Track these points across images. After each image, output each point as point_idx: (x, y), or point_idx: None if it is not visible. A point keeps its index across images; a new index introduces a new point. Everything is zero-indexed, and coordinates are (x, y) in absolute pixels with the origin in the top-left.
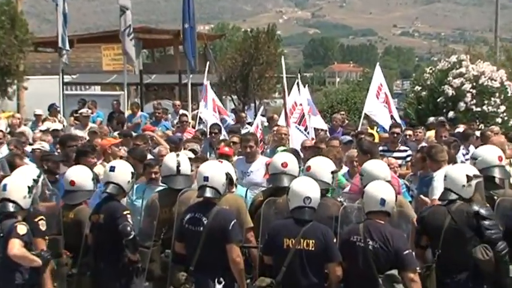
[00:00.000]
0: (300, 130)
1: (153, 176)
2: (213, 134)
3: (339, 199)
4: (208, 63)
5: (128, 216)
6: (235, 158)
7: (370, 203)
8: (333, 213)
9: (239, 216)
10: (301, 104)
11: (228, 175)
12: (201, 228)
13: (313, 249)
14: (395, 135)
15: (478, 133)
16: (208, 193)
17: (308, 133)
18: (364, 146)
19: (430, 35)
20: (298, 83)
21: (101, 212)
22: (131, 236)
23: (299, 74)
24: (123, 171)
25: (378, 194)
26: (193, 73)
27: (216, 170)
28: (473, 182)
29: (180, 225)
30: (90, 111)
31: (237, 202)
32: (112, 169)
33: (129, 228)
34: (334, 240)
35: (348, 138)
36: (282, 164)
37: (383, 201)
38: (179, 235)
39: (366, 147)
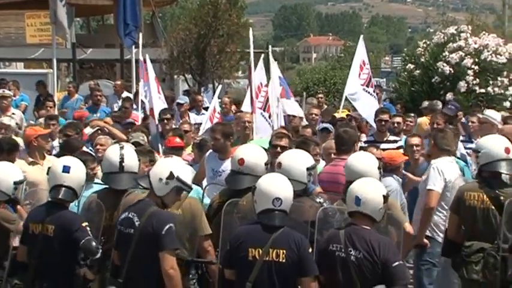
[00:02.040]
0: (264, 118)
1: (90, 173)
2: (165, 121)
3: (318, 200)
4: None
5: (88, 228)
6: (188, 150)
7: (348, 203)
8: (310, 218)
9: (194, 221)
10: (266, 86)
11: (173, 175)
12: (132, 231)
13: (284, 260)
14: (383, 122)
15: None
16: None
17: (272, 121)
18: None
19: (425, 1)
20: (268, 59)
21: (49, 222)
22: (98, 255)
23: (269, 48)
24: (79, 173)
25: (354, 191)
26: (138, 47)
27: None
28: None
29: (117, 228)
30: (11, 92)
31: (192, 205)
32: (66, 169)
33: (94, 244)
34: (310, 250)
35: (325, 125)
36: (238, 161)
37: (358, 200)
38: (116, 241)
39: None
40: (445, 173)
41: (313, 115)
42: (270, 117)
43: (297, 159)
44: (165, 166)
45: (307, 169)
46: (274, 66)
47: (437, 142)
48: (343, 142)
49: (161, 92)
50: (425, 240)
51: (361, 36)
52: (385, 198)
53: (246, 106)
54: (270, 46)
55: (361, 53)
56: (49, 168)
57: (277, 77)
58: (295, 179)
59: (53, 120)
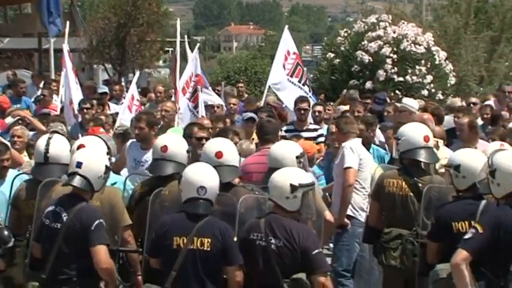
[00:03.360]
0: (189, 108)
1: (5, 163)
2: (85, 110)
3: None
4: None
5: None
6: (129, 143)
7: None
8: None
9: (113, 212)
10: (197, 76)
11: (108, 168)
12: (59, 226)
13: (208, 249)
14: (303, 111)
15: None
16: (77, 182)
17: (198, 112)
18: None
19: None
20: (191, 48)
21: None
22: (11, 244)
23: (185, 38)
24: None
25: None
26: (58, 36)
27: (94, 157)
28: None
29: (40, 221)
30: None
31: (110, 196)
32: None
33: (6, 233)
34: (235, 239)
35: (250, 114)
36: (161, 148)
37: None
38: (37, 234)
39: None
40: (358, 151)
41: (232, 104)
42: (196, 107)
43: (287, 149)
44: (101, 162)
45: (297, 157)
46: (190, 56)
47: (341, 127)
48: (267, 131)
49: (77, 82)
50: (347, 220)
51: (286, 26)
52: (294, 187)
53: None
54: (185, 36)
55: (285, 43)
56: None
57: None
58: (228, 164)
59: None
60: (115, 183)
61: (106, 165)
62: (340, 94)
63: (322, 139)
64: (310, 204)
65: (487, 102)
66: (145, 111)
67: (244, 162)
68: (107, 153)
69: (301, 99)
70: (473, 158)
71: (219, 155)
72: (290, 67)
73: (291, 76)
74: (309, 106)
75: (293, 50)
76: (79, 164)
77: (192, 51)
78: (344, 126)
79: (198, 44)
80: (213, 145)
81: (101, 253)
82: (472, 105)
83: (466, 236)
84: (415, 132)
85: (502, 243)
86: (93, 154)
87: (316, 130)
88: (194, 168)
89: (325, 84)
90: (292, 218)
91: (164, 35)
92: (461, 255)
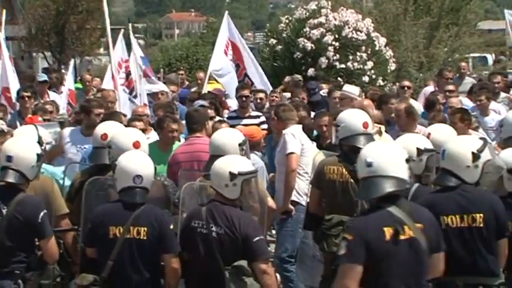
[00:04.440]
0: (126, 93)
1: None
2: (26, 99)
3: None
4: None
5: None
6: (67, 130)
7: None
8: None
9: (49, 201)
10: (126, 61)
11: (40, 157)
12: None
13: (145, 238)
14: (244, 98)
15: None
16: (11, 178)
17: (135, 97)
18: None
19: None
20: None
21: None
22: None
23: (129, 25)
24: None
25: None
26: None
27: (24, 148)
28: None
29: None
30: None
31: (45, 185)
32: None
33: None
34: (172, 227)
35: (201, 102)
36: (101, 136)
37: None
38: None
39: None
40: (299, 137)
41: (171, 92)
42: (131, 93)
43: (229, 136)
44: (32, 152)
45: (239, 145)
46: (135, 44)
47: (280, 115)
48: (195, 120)
49: (14, 70)
50: (291, 206)
51: (226, 12)
52: (234, 175)
53: (106, 83)
54: (130, 23)
55: (226, 29)
56: None
57: (139, 57)
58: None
59: None
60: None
61: (37, 154)
62: (282, 81)
63: (265, 126)
64: (253, 192)
65: (426, 88)
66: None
67: (174, 152)
68: (38, 142)
69: (242, 87)
70: None
71: (104, 136)
72: (232, 53)
73: (233, 62)
74: (251, 93)
75: (233, 37)
76: (9, 158)
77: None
78: (283, 114)
79: (123, 31)
80: (101, 129)
81: (54, 244)
82: (406, 88)
83: None
84: (354, 118)
85: None
86: (22, 145)
87: (258, 117)
88: (128, 156)
89: (268, 71)
90: (233, 205)
91: (104, 23)
92: None
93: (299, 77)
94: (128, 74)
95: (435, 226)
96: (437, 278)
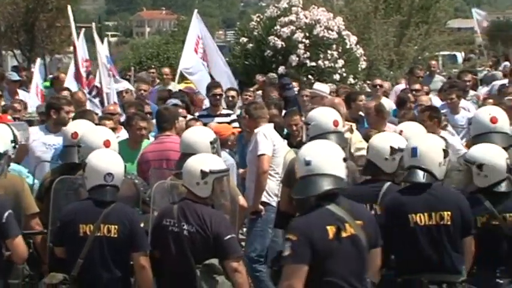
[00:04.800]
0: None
1: None
2: None
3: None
4: None
5: None
6: (35, 129)
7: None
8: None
9: (18, 200)
10: (87, 60)
11: (5, 155)
12: None
13: (115, 236)
14: (218, 96)
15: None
16: None
17: (95, 97)
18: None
19: None
20: (100, 34)
21: None
22: None
23: (93, 24)
24: None
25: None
26: None
27: None
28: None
29: None
30: None
31: (14, 183)
32: None
33: None
34: (142, 225)
35: (174, 101)
36: (72, 135)
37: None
38: None
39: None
40: (271, 137)
41: (142, 91)
42: (90, 93)
43: (200, 134)
44: None
45: (211, 143)
46: (99, 43)
47: (251, 113)
48: (165, 119)
49: None
50: (261, 207)
51: (195, 10)
52: (205, 173)
53: (68, 82)
54: (98, 21)
55: (196, 27)
56: None
57: (105, 56)
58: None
59: None
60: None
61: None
62: (253, 79)
63: (236, 124)
64: (225, 190)
65: (397, 86)
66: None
67: (143, 151)
68: (12, 141)
69: (213, 85)
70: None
71: (74, 135)
72: (202, 52)
73: (204, 60)
74: (222, 91)
75: (203, 34)
76: None
77: (101, 37)
78: (254, 112)
79: (84, 30)
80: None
81: (21, 244)
82: (378, 87)
83: None
84: (324, 117)
85: None
86: None
87: (229, 115)
88: (99, 154)
89: (239, 69)
90: (204, 203)
91: (75, 21)
92: None
93: (274, 75)
94: (88, 73)
95: (373, 223)
96: (404, 275)
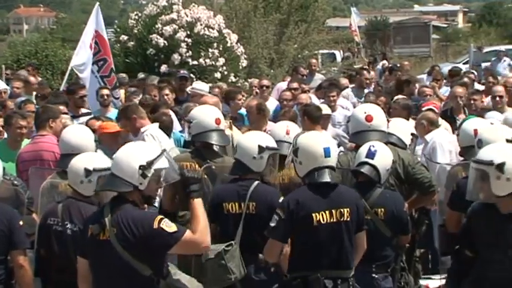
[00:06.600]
0: None
1: None
2: None
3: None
4: None
5: None
6: None
7: None
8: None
9: None
10: None
11: None
12: None
13: None
14: (106, 96)
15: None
16: None
17: None
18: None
19: None
20: None
21: None
22: None
23: None
24: None
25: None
26: None
27: None
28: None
29: None
30: None
31: None
32: None
33: None
34: (21, 223)
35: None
36: None
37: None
38: None
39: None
40: (158, 137)
41: (15, 88)
42: None
43: (83, 134)
44: None
45: (96, 141)
46: None
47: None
48: (41, 118)
49: None
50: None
51: (97, 3)
52: (88, 171)
53: None
54: None
55: (94, 22)
56: None
57: None
58: None
59: None
60: None
61: None
62: (135, 78)
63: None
64: None
65: (279, 84)
66: None
67: (20, 151)
68: None
69: (100, 87)
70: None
71: None
72: (96, 46)
73: (94, 55)
74: (110, 91)
75: (101, 29)
76: None
77: None
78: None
79: None
80: None
81: None
82: (264, 88)
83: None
84: (206, 115)
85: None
86: None
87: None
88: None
89: (119, 67)
90: (89, 202)
91: None
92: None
93: (156, 77)
94: None
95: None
96: (300, 272)
